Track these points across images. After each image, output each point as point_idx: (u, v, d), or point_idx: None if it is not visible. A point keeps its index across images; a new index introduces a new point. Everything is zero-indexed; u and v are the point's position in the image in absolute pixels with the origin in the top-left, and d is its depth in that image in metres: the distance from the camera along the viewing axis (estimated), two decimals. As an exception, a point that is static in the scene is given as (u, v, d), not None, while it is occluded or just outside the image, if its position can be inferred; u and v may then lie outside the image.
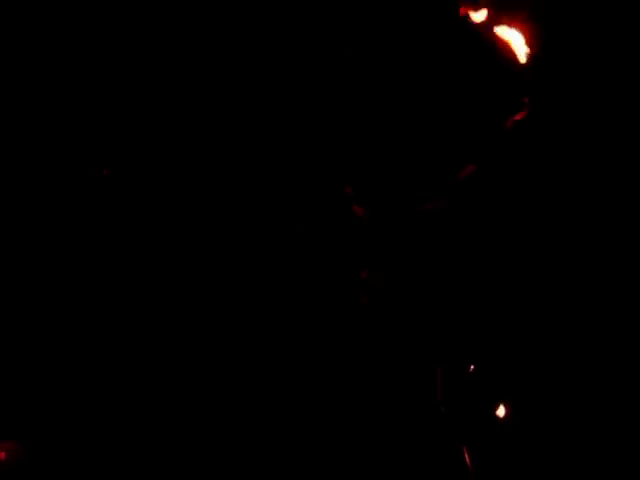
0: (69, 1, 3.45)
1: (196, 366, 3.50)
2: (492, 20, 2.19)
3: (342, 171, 3.06)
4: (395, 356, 3.30)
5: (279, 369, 3.44)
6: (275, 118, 3.58)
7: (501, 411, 3.39)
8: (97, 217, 3.48)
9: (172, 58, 3.54)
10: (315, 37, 3.55)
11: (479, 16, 2.22)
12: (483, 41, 2.24)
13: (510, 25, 2.21)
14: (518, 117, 2.32)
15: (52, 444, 3.33)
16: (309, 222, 2.93)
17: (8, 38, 3.42)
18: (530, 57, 2.79)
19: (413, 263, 3.13)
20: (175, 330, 3.51)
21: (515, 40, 2.23)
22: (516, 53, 2.23)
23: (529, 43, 2.31)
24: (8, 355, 3.36)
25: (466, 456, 3.28)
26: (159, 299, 3.51)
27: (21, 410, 3.34)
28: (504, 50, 2.27)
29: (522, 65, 2.71)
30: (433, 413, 3.35)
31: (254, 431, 3.44)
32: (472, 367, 3.41)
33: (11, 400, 3.34)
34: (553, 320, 3.52)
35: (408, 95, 3.47)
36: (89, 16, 3.44)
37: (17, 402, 3.34)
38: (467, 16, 2.24)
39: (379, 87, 3.50)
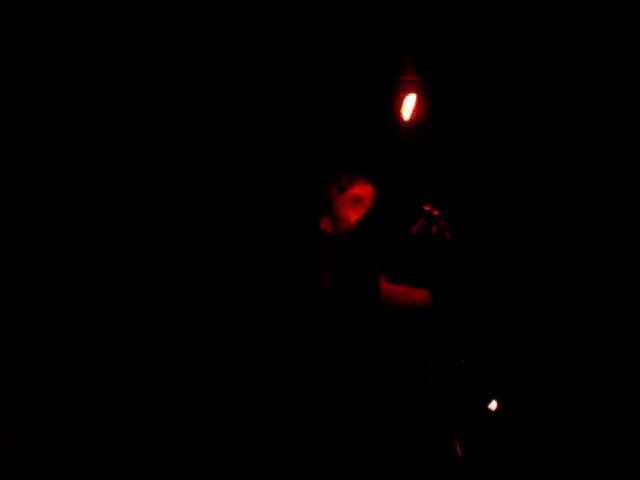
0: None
1: (193, 364, 3.54)
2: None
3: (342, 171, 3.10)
4: (389, 350, 3.34)
5: (276, 364, 3.49)
6: (275, 118, 3.62)
7: (493, 404, 3.47)
8: (97, 215, 3.49)
9: (173, 58, 3.56)
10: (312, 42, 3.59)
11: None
12: None
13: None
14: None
15: (49, 437, 3.35)
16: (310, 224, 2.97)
17: (9, 38, 3.42)
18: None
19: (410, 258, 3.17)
20: (174, 329, 3.54)
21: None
22: None
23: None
24: (8, 354, 3.37)
25: (458, 448, 3.35)
26: (158, 297, 3.54)
27: (19, 404, 3.35)
28: None
29: None
30: (425, 406, 3.41)
31: (250, 428, 3.49)
32: (463, 360, 3.47)
33: (9, 395, 3.35)
34: (544, 315, 3.61)
35: None
36: (91, 16, 3.44)
37: (15, 397, 3.35)
38: None
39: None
